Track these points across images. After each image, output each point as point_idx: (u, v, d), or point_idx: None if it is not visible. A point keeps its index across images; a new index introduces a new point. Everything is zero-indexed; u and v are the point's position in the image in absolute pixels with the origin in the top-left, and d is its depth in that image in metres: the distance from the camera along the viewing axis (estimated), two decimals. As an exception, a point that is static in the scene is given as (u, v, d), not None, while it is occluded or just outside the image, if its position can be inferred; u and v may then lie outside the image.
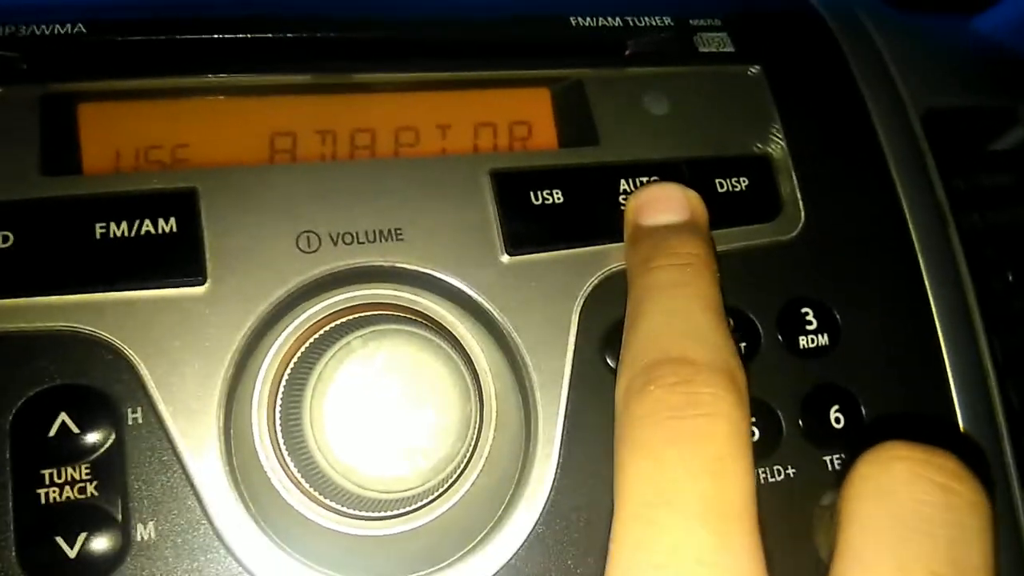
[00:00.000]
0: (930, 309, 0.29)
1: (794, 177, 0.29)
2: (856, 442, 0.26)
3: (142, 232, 0.23)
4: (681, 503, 0.19)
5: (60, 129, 0.24)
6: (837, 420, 0.26)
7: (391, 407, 0.22)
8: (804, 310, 0.27)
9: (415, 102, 0.28)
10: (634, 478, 0.20)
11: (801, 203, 0.28)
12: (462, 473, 0.24)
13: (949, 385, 0.29)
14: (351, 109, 0.27)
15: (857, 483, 0.20)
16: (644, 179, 0.27)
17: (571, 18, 0.30)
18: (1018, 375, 0.31)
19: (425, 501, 0.24)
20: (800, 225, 0.28)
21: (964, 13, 0.50)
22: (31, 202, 0.23)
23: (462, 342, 0.24)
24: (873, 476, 0.20)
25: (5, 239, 0.22)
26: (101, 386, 0.22)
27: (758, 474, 0.25)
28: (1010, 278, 0.33)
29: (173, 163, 0.25)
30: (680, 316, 0.22)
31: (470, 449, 0.23)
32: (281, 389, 0.23)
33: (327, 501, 0.23)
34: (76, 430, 0.21)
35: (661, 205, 0.25)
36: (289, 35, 0.27)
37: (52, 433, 0.21)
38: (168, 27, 0.26)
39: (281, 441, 0.23)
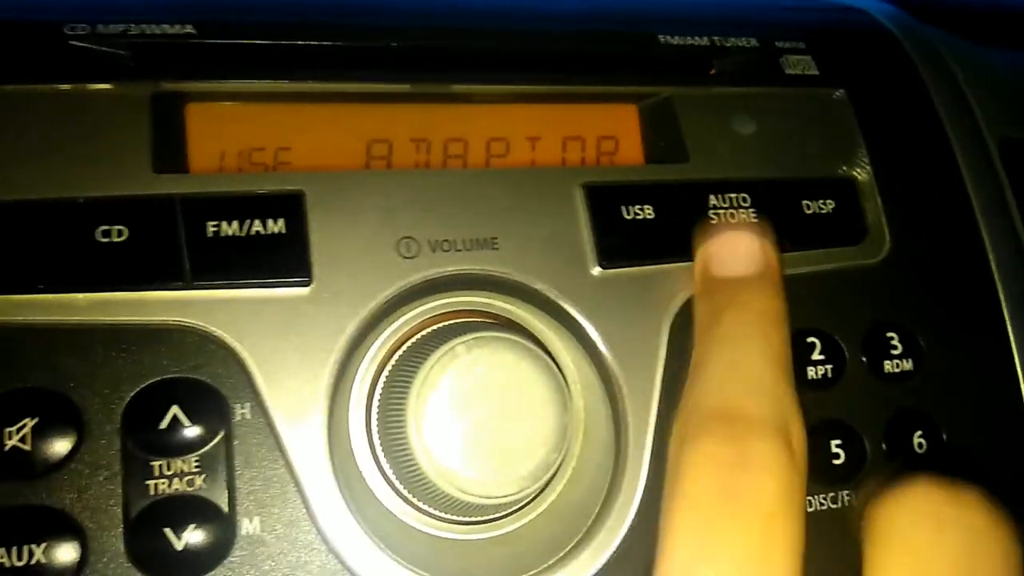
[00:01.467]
0: (1008, 337, 0.29)
1: (879, 201, 0.29)
2: (937, 467, 0.27)
3: (252, 232, 0.23)
4: (724, 562, 0.19)
5: (169, 128, 0.25)
6: (919, 445, 0.26)
7: (492, 413, 0.22)
8: (889, 334, 0.27)
9: (506, 113, 0.29)
10: (680, 530, 0.20)
11: (886, 227, 0.29)
12: (550, 483, 0.24)
13: (1026, 413, 0.29)
14: (445, 118, 0.28)
15: (879, 527, 0.20)
16: (733, 195, 0.27)
17: (659, 36, 0.30)
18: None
19: (514, 509, 0.24)
20: (885, 249, 0.28)
21: (1020, 47, 0.51)
22: (145, 199, 0.23)
23: (553, 352, 0.25)
24: (895, 521, 0.20)
25: (120, 233, 0.23)
26: (211, 381, 0.22)
27: (842, 497, 0.26)
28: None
29: (275, 165, 0.26)
30: (743, 368, 0.22)
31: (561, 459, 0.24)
32: (379, 390, 0.24)
33: (420, 503, 0.23)
34: (187, 423, 0.22)
35: (734, 256, 0.24)
36: (390, 44, 0.27)
37: (164, 425, 0.21)
38: (274, 32, 0.27)
39: (377, 441, 0.23)
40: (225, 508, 0.21)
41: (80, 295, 0.22)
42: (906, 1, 0.39)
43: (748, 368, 0.21)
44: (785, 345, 0.22)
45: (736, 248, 0.25)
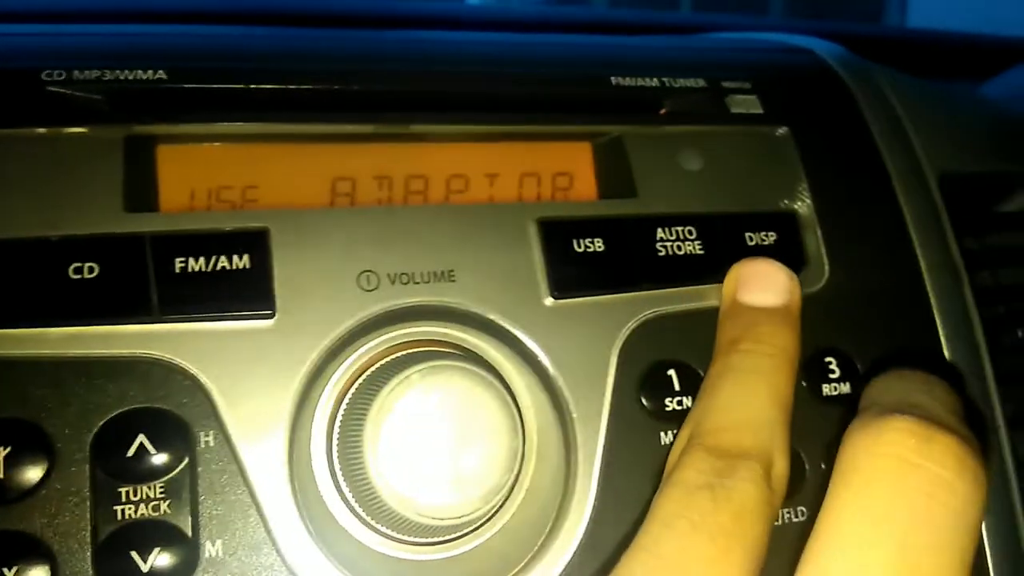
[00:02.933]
0: (944, 362, 0.31)
1: (819, 233, 0.31)
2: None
3: (218, 267, 0.24)
4: (700, 522, 0.21)
5: (141, 169, 0.26)
6: (858, 465, 0.28)
7: (447, 438, 0.23)
8: (828, 359, 0.29)
9: (466, 152, 0.30)
10: (662, 504, 0.22)
11: (826, 258, 0.30)
12: (504, 503, 0.25)
13: (962, 435, 0.30)
14: (406, 157, 0.29)
15: (845, 458, 0.21)
16: (680, 228, 0.29)
17: (611, 78, 0.32)
18: (1027, 427, 0.32)
19: (469, 529, 0.25)
20: (824, 279, 0.30)
21: (973, 80, 0.53)
22: (116, 237, 0.24)
23: (507, 379, 0.26)
24: (861, 457, 0.21)
25: (91, 270, 0.24)
26: (177, 411, 0.23)
27: (782, 514, 0.27)
28: (1020, 334, 0.34)
29: (243, 203, 0.27)
30: (748, 405, 0.24)
31: (514, 481, 0.25)
32: (339, 418, 0.25)
33: (378, 525, 0.24)
34: (153, 451, 0.23)
35: (762, 284, 0.27)
36: (354, 87, 0.29)
37: (131, 453, 0.22)
38: (242, 76, 0.28)
39: (337, 465, 0.24)
40: (189, 532, 0.22)
41: (52, 329, 0.23)
42: (852, 38, 0.41)
43: (752, 406, 0.24)
44: (790, 385, 0.25)
45: (767, 277, 0.27)
